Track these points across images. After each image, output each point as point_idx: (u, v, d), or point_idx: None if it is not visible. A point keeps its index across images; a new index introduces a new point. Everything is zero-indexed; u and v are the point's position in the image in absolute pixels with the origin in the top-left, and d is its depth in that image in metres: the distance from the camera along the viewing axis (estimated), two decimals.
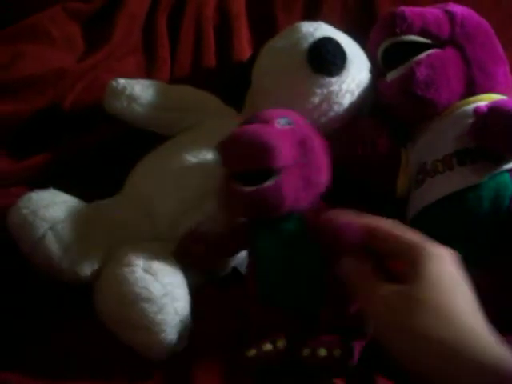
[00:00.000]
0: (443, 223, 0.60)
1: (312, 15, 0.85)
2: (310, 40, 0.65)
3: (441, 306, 0.45)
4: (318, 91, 0.64)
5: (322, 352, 0.53)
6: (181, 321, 0.55)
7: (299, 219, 0.58)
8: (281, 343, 0.55)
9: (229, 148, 0.57)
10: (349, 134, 0.67)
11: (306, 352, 0.54)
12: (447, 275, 0.46)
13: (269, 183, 0.55)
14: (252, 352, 0.54)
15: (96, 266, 0.58)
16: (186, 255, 0.60)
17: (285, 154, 0.55)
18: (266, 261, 0.58)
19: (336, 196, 0.60)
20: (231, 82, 0.79)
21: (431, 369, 0.44)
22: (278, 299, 0.57)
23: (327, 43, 0.64)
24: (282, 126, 0.58)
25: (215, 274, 0.65)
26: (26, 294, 0.62)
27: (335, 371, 0.54)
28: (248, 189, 0.55)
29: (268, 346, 0.54)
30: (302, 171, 0.57)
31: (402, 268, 0.48)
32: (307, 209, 0.58)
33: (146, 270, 0.55)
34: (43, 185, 0.63)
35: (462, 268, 0.48)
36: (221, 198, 0.59)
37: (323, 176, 0.59)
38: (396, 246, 0.49)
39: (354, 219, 0.52)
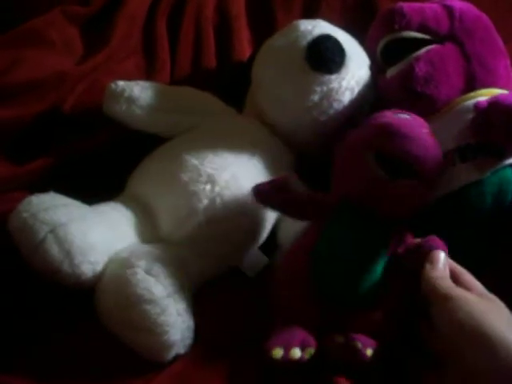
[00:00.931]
0: (446, 220, 0.60)
1: (311, 14, 0.85)
2: (309, 38, 0.64)
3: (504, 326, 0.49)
4: (318, 89, 0.64)
5: (358, 345, 0.53)
6: (183, 322, 0.55)
7: (388, 229, 0.58)
8: (309, 353, 0.54)
9: (399, 133, 0.56)
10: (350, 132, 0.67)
11: (339, 338, 0.53)
12: (503, 311, 0.51)
13: (409, 182, 0.56)
14: (278, 353, 0.53)
15: (97, 269, 0.58)
16: (268, 193, 0.61)
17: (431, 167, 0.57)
18: (341, 245, 0.57)
19: None
20: (232, 82, 0.79)
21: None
22: (330, 286, 0.57)
23: (326, 40, 0.64)
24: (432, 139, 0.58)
25: (219, 273, 0.65)
26: (28, 297, 0.62)
27: (358, 370, 0.54)
28: (392, 178, 0.56)
29: (296, 352, 0.53)
30: (425, 185, 0.57)
31: None
32: (399, 219, 0.59)
33: (147, 272, 0.54)
34: (44, 189, 0.62)
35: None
36: (345, 171, 0.60)
37: (430, 196, 0.59)
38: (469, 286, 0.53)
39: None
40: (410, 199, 0.57)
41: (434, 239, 0.56)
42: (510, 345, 0.46)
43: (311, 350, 0.54)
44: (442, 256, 0.55)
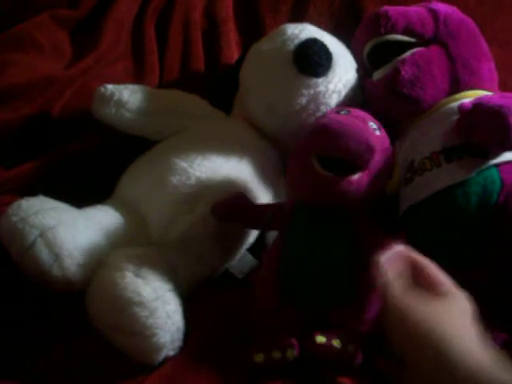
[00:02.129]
0: (432, 220, 0.61)
1: (298, 18, 0.85)
2: (296, 42, 0.65)
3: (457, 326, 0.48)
4: (305, 92, 0.65)
5: (336, 343, 0.53)
6: (173, 324, 0.55)
7: (348, 220, 0.59)
8: (290, 353, 0.54)
9: (333, 133, 0.57)
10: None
11: (319, 339, 0.53)
12: (462, 308, 0.50)
13: (355, 177, 0.57)
14: (260, 357, 0.54)
15: (87, 273, 0.58)
16: (226, 211, 0.62)
17: (375, 158, 0.57)
18: (299, 247, 0.58)
19: None
20: (220, 86, 0.79)
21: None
22: (299, 288, 0.58)
23: (312, 44, 0.64)
24: (373, 131, 0.59)
25: (210, 275, 0.65)
26: (20, 301, 0.62)
27: (345, 366, 0.54)
28: (336, 176, 0.57)
29: (277, 354, 0.54)
30: (373, 176, 0.58)
31: None
32: (356, 213, 0.59)
33: (136, 275, 0.55)
34: (34, 192, 0.63)
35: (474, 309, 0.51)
36: (294, 175, 0.61)
37: (382, 186, 0.61)
38: (430, 281, 0.52)
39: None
40: (361, 192, 0.58)
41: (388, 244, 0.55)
42: (464, 352, 0.46)
43: (292, 351, 0.54)
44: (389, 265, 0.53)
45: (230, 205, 0.63)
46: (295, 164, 0.61)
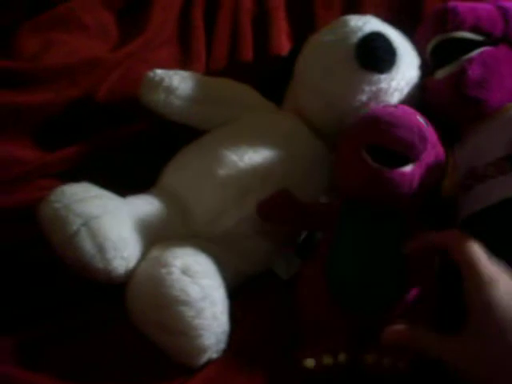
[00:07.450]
0: (496, 230, 0.57)
1: (352, 10, 0.82)
2: (359, 34, 0.62)
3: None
4: (367, 88, 0.61)
5: (387, 362, 0.52)
6: (219, 325, 0.53)
7: (400, 219, 0.57)
8: (342, 357, 0.53)
9: (384, 122, 0.55)
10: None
11: (371, 359, 0.52)
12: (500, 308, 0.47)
13: (408, 169, 0.55)
14: (310, 363, 0.53)
15: (130, 265, 0.56)
16: (272, 210, 0.59)
17: (427, 151, 0.56)
18: (348, 248, 0.56)
19: None
20: (271, 76, 0.76)
21: None
22: (349, 293, 0.55)
23: (377, 38, 0.61)
24: (423, 124, 0.57)
25: (253, 274, 0.63)
26: (56, 291, 0.60)
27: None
28: (388, 168, 0.54)
29: (328, 359, 0.52)
30: (425, 171, 0.56)
31: None
32: (407, 212, 0.57)
33: (183, 272, 0.52)
34: (74, 178, 0.60)
35: None
36: (342, 168, 0.59)
37: (434, 183, 0.59)
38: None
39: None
40: (414, 187, 0.56)
41: None
42: None
43: (344, 355, 0.53)
44: None
45: (277, 204, 0.59)
46: (343, 156, 0.58)
